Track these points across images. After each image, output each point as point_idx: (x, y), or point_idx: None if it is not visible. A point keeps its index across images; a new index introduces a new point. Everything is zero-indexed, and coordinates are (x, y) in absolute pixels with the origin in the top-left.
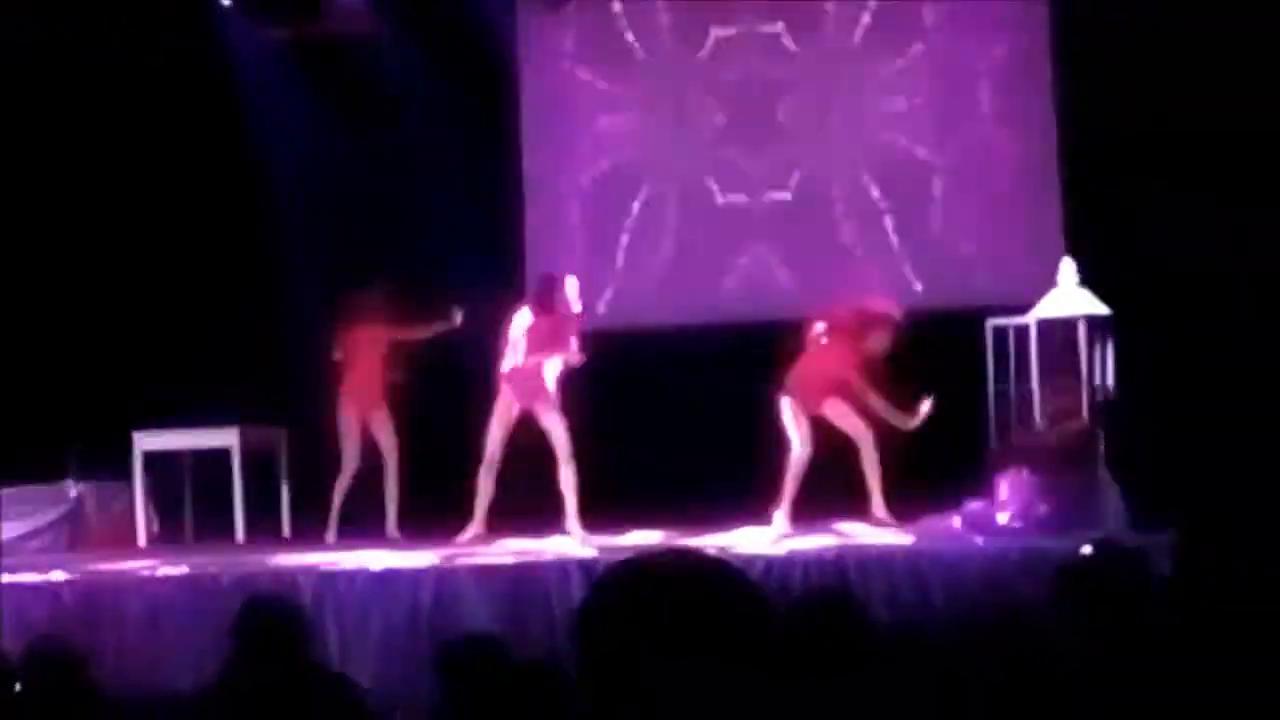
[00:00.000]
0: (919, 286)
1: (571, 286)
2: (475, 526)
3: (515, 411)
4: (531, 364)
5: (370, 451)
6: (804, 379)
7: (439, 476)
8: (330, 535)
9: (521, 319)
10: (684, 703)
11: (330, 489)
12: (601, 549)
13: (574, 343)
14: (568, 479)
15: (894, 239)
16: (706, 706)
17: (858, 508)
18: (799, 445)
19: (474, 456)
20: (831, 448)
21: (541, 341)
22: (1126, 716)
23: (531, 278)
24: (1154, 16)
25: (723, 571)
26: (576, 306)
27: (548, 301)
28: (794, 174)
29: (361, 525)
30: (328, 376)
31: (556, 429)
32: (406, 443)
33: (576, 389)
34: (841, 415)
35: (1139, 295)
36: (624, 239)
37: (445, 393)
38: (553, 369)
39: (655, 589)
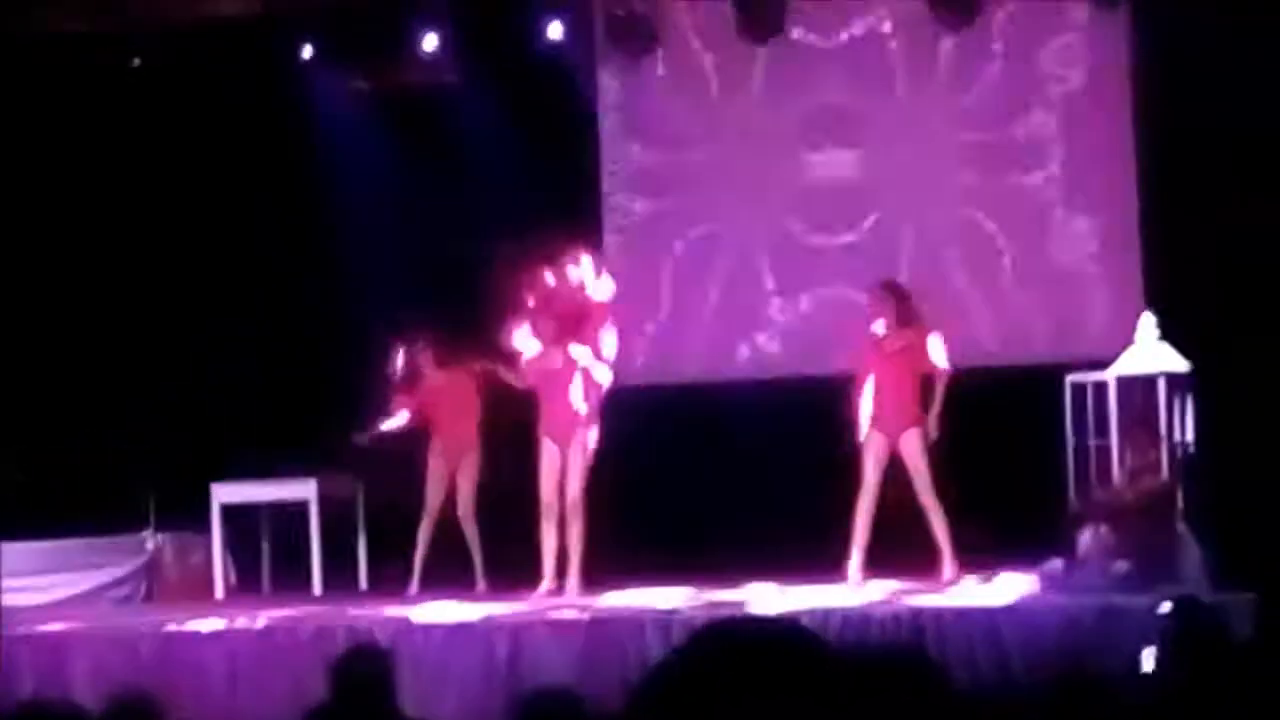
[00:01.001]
0: (996, 342)
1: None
2: (548, 581)
3: (559, 460)
4: (561, 405)
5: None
6: (888, 406)
7: (521, 526)
8: (413, 587)
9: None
10: None
11: (411, 539)
12: (679, 605)
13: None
14: (574, 530)
15: (969, 293)
16: None
17: (931, 562)
18: (869, 487)
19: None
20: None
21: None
22: None
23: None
24: (1240, 59)
25: (796, 638)
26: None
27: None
28: (866, 220)
29: (438, 577)
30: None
31: (574, 478)
32: (486, 491)
33: (648, 437)
34: (914, 455)
35: (1220, 351)
36: (709, 290)
37: (523, 439)
38: (578, 395)
39: (731, 656)
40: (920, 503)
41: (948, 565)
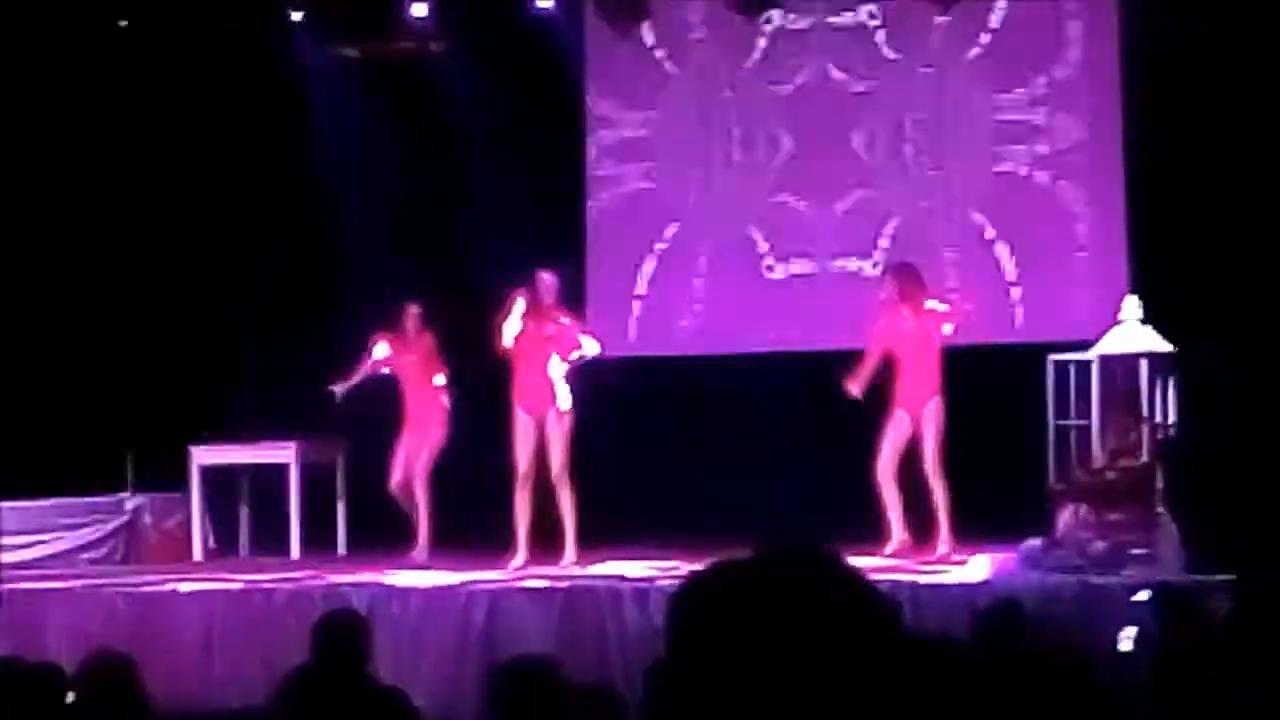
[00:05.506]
0: (979, 320)
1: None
2: (522, 552)
3: (533, 427)
4: (537, 374)
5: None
6: (911, 382)
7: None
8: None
9: (511, 326)
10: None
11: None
12: (650, 572)
13: (575, 337)
14: (564, 500)
15: (957, 274)
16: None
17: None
18: (889, 466)
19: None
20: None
21: (537, 344)
22: None
23: (592, 300)
24: (1227, 46)
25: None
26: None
27: (534, 301)
28: (853, 196)
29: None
30: (386, 391)
31: (556, 445)
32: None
33: (630, 415)
34: (931, 425)
35: (1202, 333)
36: (695, 274)
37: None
38: (559, 373)
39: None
40: (925, 474)
41: (944, 540)
